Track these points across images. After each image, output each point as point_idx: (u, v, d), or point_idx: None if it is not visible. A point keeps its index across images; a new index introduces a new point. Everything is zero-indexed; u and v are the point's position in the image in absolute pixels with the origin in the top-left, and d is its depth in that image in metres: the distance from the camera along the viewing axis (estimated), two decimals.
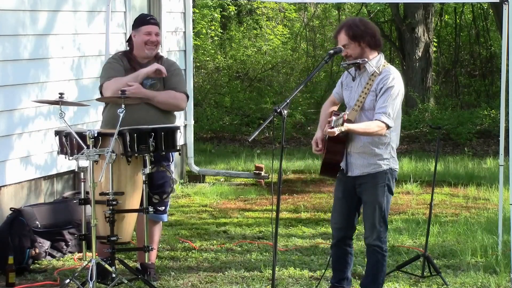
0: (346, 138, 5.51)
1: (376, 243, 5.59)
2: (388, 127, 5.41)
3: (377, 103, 5.43)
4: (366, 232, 5.64)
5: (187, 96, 6.63)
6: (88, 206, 6.11)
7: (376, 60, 5.53)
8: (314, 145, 5.67)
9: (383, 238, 5.62)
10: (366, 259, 5.79)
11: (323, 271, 6.38)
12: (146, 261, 6.37)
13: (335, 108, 5.84)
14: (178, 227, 8.49)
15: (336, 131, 5.15)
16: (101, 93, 6.52)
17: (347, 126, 5.21)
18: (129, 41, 6.63)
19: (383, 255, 5.64)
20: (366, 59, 5.50)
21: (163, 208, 6.49)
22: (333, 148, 5.54)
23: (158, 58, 6.59)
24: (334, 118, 5.20)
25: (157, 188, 6.41)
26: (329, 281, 5.94)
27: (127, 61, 6.54)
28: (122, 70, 6.48)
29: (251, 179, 11.18)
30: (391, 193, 5.65)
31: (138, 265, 6.72)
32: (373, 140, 5.49)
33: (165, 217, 6.74)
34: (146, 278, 6.36)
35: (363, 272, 6.15)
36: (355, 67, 5.60)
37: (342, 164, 5.61)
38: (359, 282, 5.98)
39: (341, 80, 5.79)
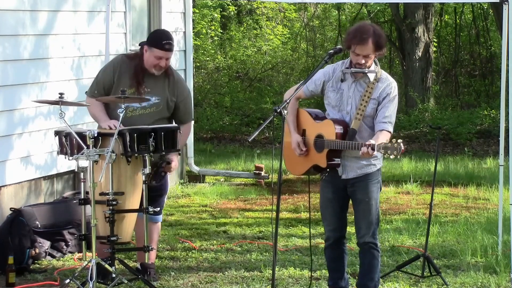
0: None
1: (372, 240, 5.60)
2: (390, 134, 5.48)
3: (381, 111, 5.46)
4: (362, 230, 5.61)
5: (192, 119, 6.69)
6: (88, 206, 6.11)
7: (374, 67, 5.53)
8: (297, 149, 5.63)
9: (376, 235, 5.64)
10: (360, 259, 5.75)
11: (310, 274, 6.36)
12: (146, 261, 6.37)
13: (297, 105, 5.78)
14: (178, 227, 8.49)
15: (375, 154, 5.25)
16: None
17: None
18: (142, 48, 6.42)
19: (378, 252, 5.65)
20: (373, 70, 5.49)
21: (158, 209, 6.43)
22: (334, 156, 5.52)
23: (167, 73, 6.43)
24: (373, 142, 5.23)
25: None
26: (327, 283, 5.92)
27: (132, 66, 6.38)
28: (111, 83, 6.40)
29: (251, 179, 11.18)
30: (381, 189, 5.68)
31: (138, 265, 6.71)
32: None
33: (159, 218, 6.66)
34: (146, 278, 6.37)
35: None
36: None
37: (338, 168, 5.59)
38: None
39: (323, 78, 5.63)
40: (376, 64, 5.56)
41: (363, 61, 5.43)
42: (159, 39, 6.33)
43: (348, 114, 5.52)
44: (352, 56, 5.48)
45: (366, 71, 5.47)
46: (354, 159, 5.53)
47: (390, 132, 5.44)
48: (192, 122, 6.69)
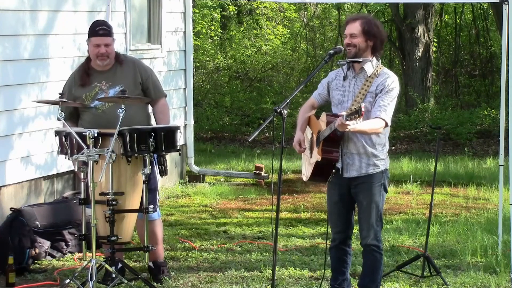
0: (342, 137, 5.49)
1: (374, 242, 5.59)
2: (386, 125, 5.42)
3: (376, 102, 5.44)
4: (363, 232, 5.61)
5: (165, 95, 6.61)
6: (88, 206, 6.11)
7: (375, 62, 5.53)
8: (297, 146, 5.64)
9: (379, 237, 5.63)
10: (363, 259, 5.75)
11: (323, 271, 6.34)
12: (149, 260, 6.36)
13: (313, 112, 5.80)
14: (178, 227, 8.49)
15: (351, 124, 5.10)
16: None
17: (358, 124, 5.10)
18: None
19: (381, 254, 5.64)
20: (368, 59, 5.49)
21: (152, 206, 6.41)
22: (330, 147, 5.51)
23: (119, 61, 6.46)
24: (344, 113, 5.11)
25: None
26: (329, 283, 5.92)
27: (83, 72, 6.43)
28: (71, 92, 6.44)
29: (251, 179, 11.19)
30: (386, 191, 5.65)
31: (150, 263, 6.66)
32: (371, 141, 5.49)
33: (154, 216, 6.53)
34: (160, 276, 6.47)
35: None
36: (350, 66, 5.56)
37: (338, 165, 5.57)
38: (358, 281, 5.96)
39: (327, 80, 5.69)
40: (377, 60, 5.55)
41: (348, 41, 5.47)
42: (93, 27, 6.40)
43: None
44: (345, 43, 5.53)
45: (361, 60, 5.47)
46: (355, 156, 5.52)
47: (382, 119, 5.38)
48: (165, 99, 6.58)
